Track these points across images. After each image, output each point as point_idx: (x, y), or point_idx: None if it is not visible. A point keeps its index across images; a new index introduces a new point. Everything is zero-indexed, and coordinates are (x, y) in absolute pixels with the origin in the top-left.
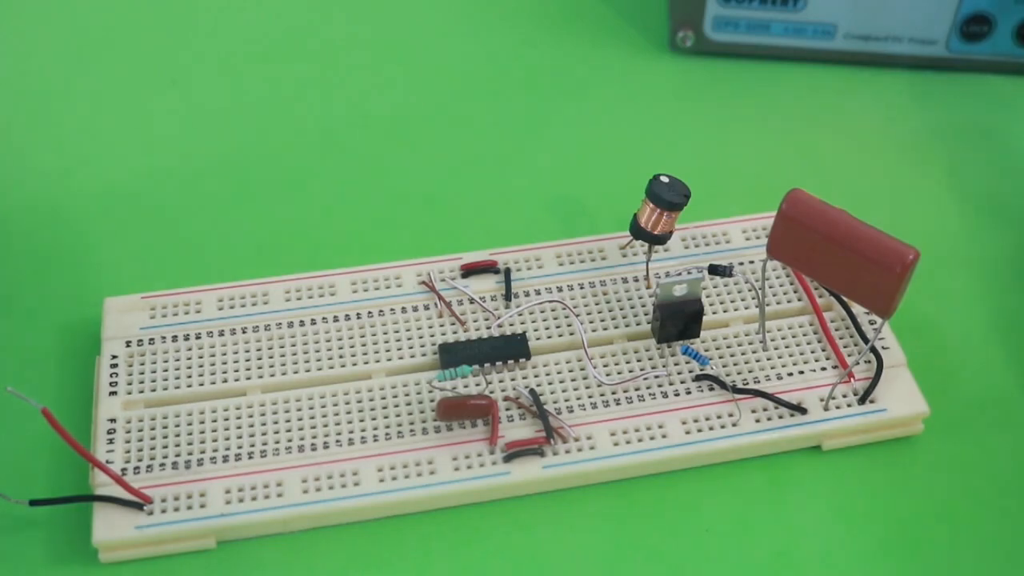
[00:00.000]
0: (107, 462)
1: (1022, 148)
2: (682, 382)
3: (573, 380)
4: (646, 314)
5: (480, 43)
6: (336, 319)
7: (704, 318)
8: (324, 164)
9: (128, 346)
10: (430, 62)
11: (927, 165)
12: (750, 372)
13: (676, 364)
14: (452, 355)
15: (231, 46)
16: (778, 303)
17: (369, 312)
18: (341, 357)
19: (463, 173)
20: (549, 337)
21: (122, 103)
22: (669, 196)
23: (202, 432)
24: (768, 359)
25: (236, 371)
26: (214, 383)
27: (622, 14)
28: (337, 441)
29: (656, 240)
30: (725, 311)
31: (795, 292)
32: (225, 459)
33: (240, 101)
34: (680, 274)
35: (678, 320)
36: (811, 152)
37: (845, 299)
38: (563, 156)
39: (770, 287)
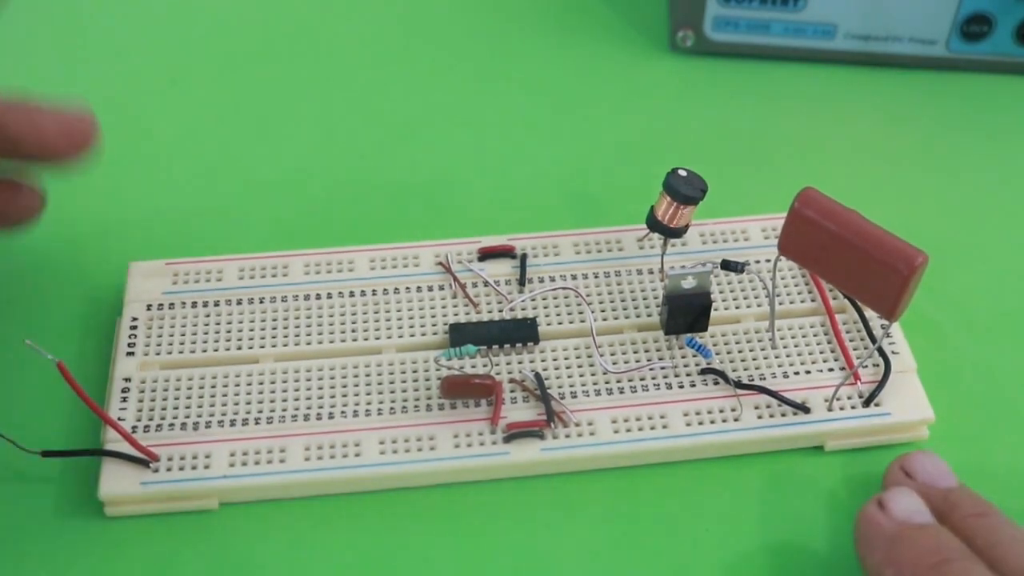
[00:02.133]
0: (119, 419)
1: (1022, 148)
2: (687, 375)
3: (580, 367)
4: (657, 306)
5: (482, 42)
6: (352, 294)
7: (716, 313)
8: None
9: (149, 309)
10: (436, 59)
11: (927, 165)
12: (757, 369)
13: (683, 356)
14: (462, 335)
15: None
16: (791, 303)
17: (385, 289)
18: (354, 331)
19: (465, 163)
20: (560, 323)
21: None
22: (686, 190)
23: (212, 396)
24: (776, 357)
25: (251, 339)
26: (228, 349)
27: (622, 14)
28: (343, 412)
29: (672, 233)
30: (737, 307)
31: (809, 292)
32: (232, 423)
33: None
34: (694, 267)
35: (686, 312)
36: (811, 152)
37: (857, 302)
38: (564, 154)
39: (785, 287)
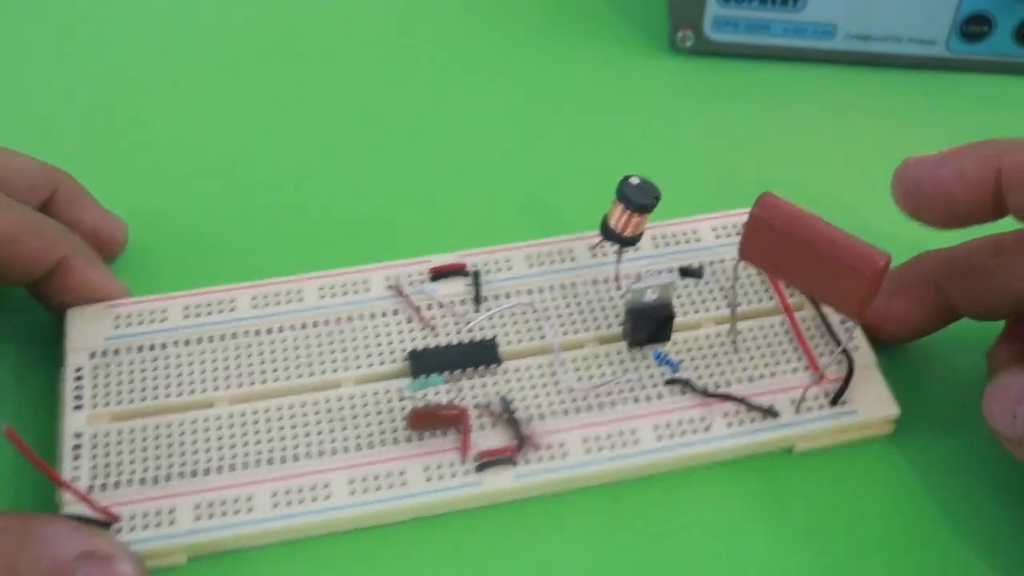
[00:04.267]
0: (73, 479)
1: None
2: (654, 386)
3: (544, 386)
4: (617, 316)
5: (479, 43)
6: (304, 326)
7: (675, 320)
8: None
9: (92, 357)
10: (428, 61)
11: None
12: (722, 375)
13: (648, 367)
14: (421, 362)
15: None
16: (749, 303)
17: (337, 318)
18: (309, 365)
19: (460, 171)
20: (520, 341)
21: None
22: (639, 198)
23: (170, 446)
24: (740, 361)
25: (203, 382)
26: (181, 395)
27: (622, 14)
28: (307, 453)
29: (626, 242)
30: (696, 312)
31: (766, 292)
32: (194, 474)
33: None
34: (651, 274)
35: (649, 324)
36: (811, 152)
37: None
38: (563, 155)
39: (741, 287)
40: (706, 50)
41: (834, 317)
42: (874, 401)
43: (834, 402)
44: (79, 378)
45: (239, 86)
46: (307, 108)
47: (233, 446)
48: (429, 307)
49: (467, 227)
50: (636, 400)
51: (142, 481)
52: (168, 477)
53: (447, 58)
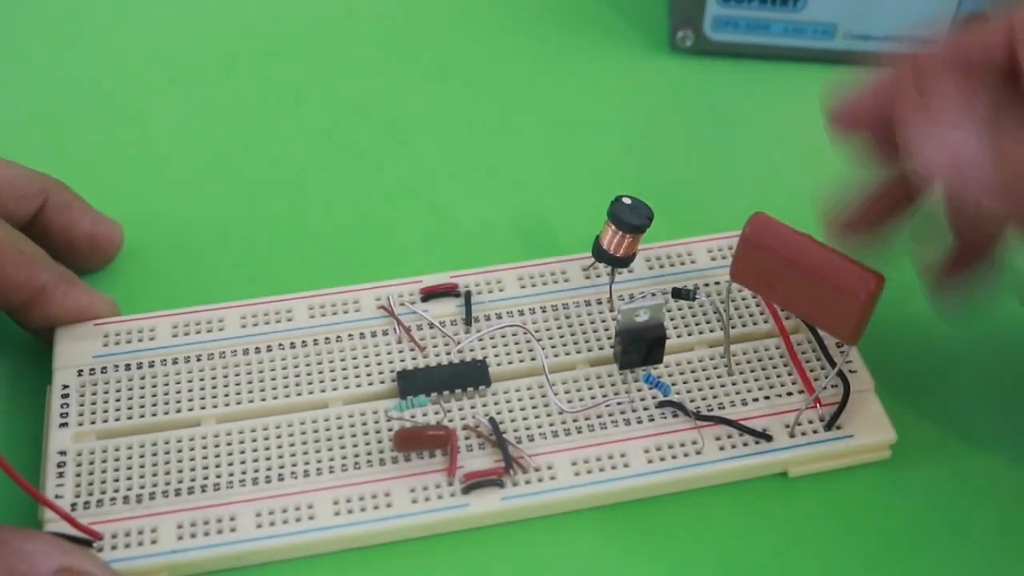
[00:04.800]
0: (56, 497)
1: None
2: (645, 409)
3: (534, 408)
4: (609, 338)
5: (477, 43)
6: (293, 345)
7: (668, 342)
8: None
9: (80, 375)
10: (425, 63)
11: None
12: (715, 398)
13: (639, 390)
14: (411, 382)
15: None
16: (744, 326)
17: (327, 338)
18: (298, 385)
19: (455, 178)
20: (510, 363)
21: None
22: (631, 218)
23: (155, 465)
24: (733, 384)
25: (190, 400)
26: (167, 413)
27: (622, 14)
28: (292, 473)
29: (619, 263)
30: (690, 334)
31: (761, 314)
32: (178, 493)
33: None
34: (643, 296)
35: (640, 346)
36: (811, 152)
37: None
38: (560, 156)
39: (736, 309)
40: (706, 50)
41: (830, 339)
42: (870, 425)
43: (829, 426)
44: (65, 396)
45: (234, 89)
46: (302, 115)
47: (218, 466)
48: (419, 327)
49: (462, 236)
50: (627, 423)
51: (125, 499)
52: (152, 495)
53: (444, 59)
